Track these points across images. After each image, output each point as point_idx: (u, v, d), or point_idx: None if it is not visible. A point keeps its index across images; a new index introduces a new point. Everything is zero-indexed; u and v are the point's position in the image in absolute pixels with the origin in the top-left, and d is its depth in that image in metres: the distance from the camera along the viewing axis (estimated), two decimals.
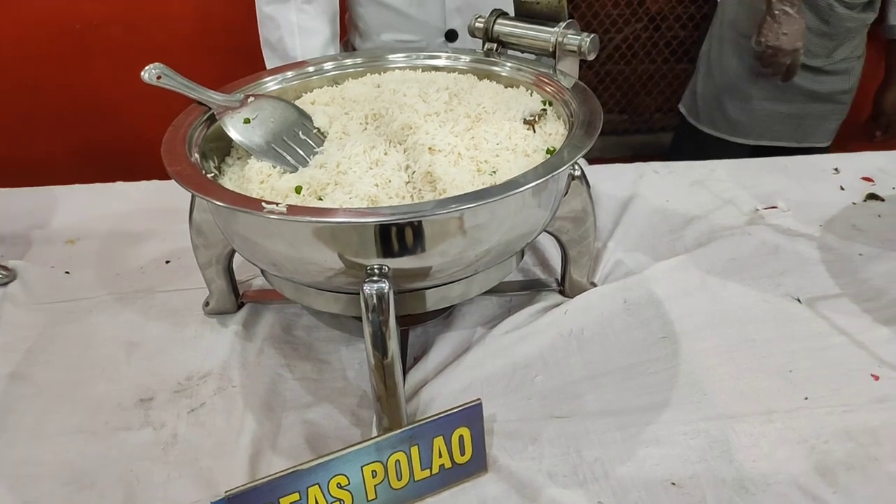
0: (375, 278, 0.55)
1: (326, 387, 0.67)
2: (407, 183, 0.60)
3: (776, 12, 1.18)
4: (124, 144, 1.59)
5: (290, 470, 0.49)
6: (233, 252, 0.73)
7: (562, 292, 0.77)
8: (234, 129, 0.67)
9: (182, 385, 0.68)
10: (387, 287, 0.54)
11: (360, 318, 0.57)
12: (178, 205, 0.99)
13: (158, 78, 0.71)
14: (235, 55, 1.55)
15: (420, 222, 0.54)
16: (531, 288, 0.79)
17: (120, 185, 1.04)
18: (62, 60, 1.57)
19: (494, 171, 0.61)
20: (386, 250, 0.55)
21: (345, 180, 0.60)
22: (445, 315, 0.76)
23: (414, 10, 1.03)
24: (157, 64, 0.71)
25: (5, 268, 0.83)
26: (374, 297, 0.54)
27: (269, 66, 1.08)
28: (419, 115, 0.64)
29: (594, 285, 0.78)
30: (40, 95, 1.56)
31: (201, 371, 0.69)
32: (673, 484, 0.57)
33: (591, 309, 0.74)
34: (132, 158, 1.46)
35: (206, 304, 0.77)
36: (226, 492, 0.47)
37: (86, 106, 1.60)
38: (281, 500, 0.49)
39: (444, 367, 0.68)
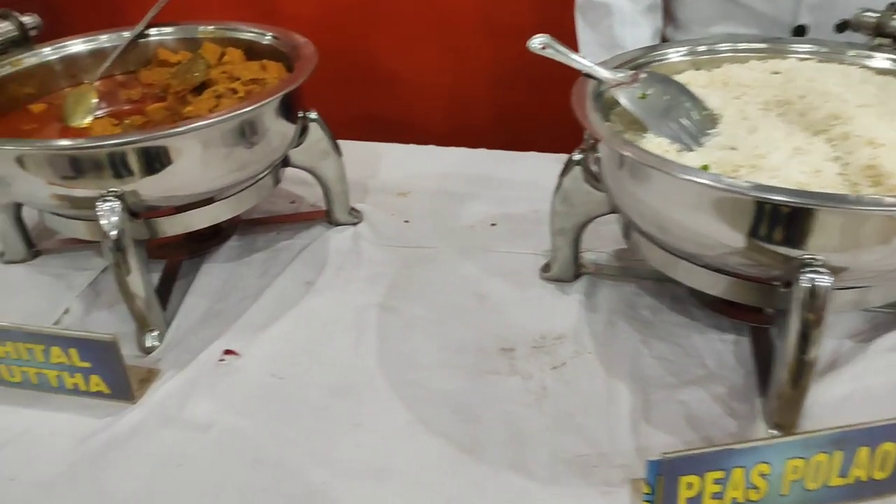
0: (817, 273, 0.52)
1: (688, 371, 0.66)
2: (838, 174, 0.57)
3: None
4: (397, 112, 1.71)
5: (722, 447, 0.49)
6: (587, 223, 0.74)
7: None
8: (632, 104, 0.68)
9: (538, 342, 0.70)
10: (829, 283, 0.52)
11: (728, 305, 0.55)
12: (491, 173, 1.06)
13: (543, 48, 0.74)
14: (515, 38, 1.60)
15: None
16: None
17: (434, 149, 1.11)
18: (351, 30, 1.71)
19: None
20: (826, 244, 0.52)
21: (764, 164, 0.58)
22: None
23: (759, 3, 0.98)
24: (544, 35, 0.74)
25: (355, 209, 0.92)
26: (812, 293, 0.52)
27: (584, 53, 1.09)
28: (849, 105, 0.61)
29: None
30: (335, 61, 1.71)
31: (553, 332, 0.71)
32: None
33: None
34: (404, 125, 1.56)
35: (545, 269, 0.80)
36: (663, 453, 0.48)
37: (369, 74, 1.73)
38: (707, 473, 0.49)
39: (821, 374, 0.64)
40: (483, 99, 1.62)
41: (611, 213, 0.72)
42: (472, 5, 1.59)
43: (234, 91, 0.77)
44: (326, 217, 0.90)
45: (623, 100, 0.67)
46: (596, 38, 1.08)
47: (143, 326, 0.70)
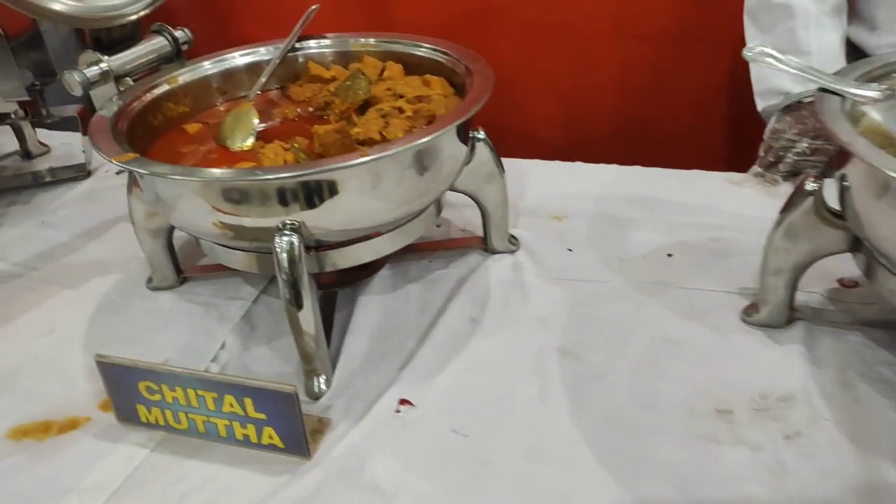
0: None
1: None
2: None
3: None
4: (512, 123, 1.63)
5: None
6: (811, 262, 0.64)
7: None
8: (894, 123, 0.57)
9: (760, 403, 0.60)
10: None
11: None
12: (652, 193, 0.96)
13: (760, 57, 0.65)
14: (646, 43, 1.49)
15: None
16: None
17: (581, 166, 1.02)
18: (468, 37, 1.65)
19: None
20: None
21: None
22: None
23: None
24: (762, 45, 0.65)
25: (513, 236, 0.84)
26: None
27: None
28: None
29: None
30: None
31: (776, 391, 0.61)
32: None
33: None
34: (520, 136, 1.48)
35: (749, 311, 0.69)
36: None
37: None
38: None
39: None
40: (606, 109, 1.52)
41: (847, 251, 0.61)
42: (600, 8, 1.50)
43: (401, 110, 0.71)
44: (482, 244, 0.83)
45: (881, 118, 0.57)
46: (772, 44, 0.97)
47: (311, 368, 0.64)
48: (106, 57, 0.74)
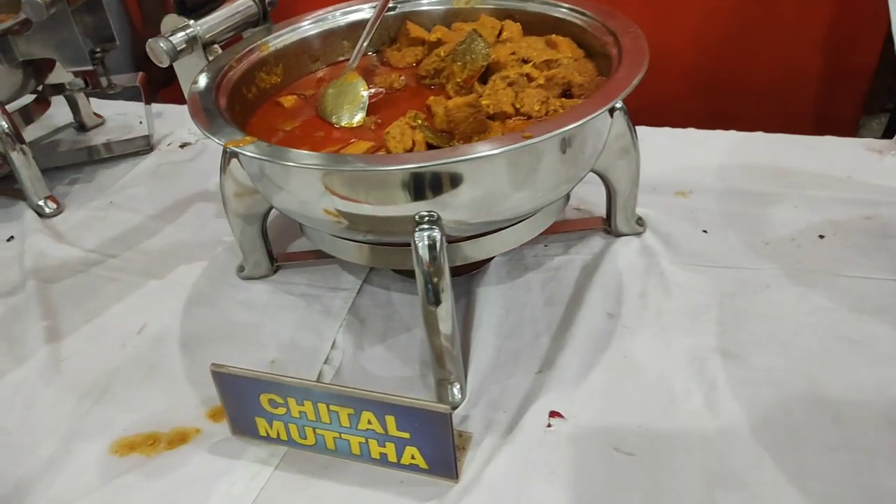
0: None
1: None
2: None
3: None
4: None
5: None
6: None
7: None
8: None
9: None
10: None
11: None
12: (783, 164, 0.85)
13: None
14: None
15: None
16: None
17: (694, 132, 0.92)
18: None
19: None
20: None
21: None
22: None
23: None
24: None
25: (640, 218, 0.75)
26: None
27: None
28: None
29: None
30: None
31: None
32: None
33: None
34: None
35: None
36: None
37: None
38: None
39: None
40: (684, 65, 1.40)
41: None
42: None
43: (529, 77, 0.62)
44: (604, 225, 0.74)
45: None
46: None
47: (444, 376, 0.57)
48: (192, 21, 0.66)
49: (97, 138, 1.11)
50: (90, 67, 0.88)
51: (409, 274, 0.71)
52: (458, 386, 0.57)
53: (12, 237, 0.86)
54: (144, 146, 1.03)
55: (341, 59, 0.73)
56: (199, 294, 0.73)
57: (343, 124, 0.63)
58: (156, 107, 1.16)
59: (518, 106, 0.59)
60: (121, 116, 1.17)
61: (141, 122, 1.13)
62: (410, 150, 0.55)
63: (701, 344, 0.61)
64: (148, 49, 0.64)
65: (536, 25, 0.69)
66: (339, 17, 0.72)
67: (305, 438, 0.54)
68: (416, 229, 0.51)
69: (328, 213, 0.55)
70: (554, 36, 0.67)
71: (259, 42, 0.69)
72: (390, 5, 0.73)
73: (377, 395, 0.49)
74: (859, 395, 0.55)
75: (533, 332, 0.64)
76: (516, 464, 0.52)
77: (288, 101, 0.68)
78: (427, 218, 0.51)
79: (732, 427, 0.53)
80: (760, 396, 0.55)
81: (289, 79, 0.71)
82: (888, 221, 0.72)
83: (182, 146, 1.05)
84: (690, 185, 0.81)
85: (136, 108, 1.18)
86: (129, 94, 1.13)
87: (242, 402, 0.54)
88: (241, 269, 0.74)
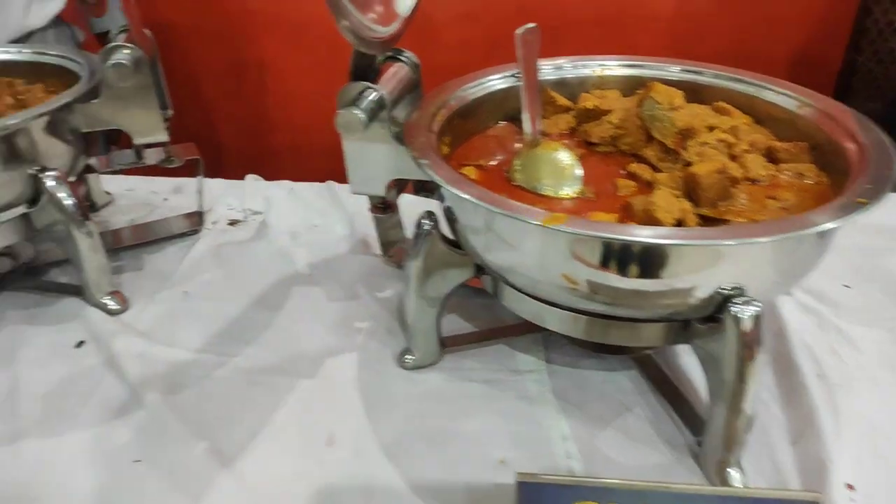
0: None
1: None
2: None
3: None
4: None
5: None
6: None
7: None
8: None
9: None
10: None
11: None
12: None
13: None
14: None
15: None
16: None
17: None
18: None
19: None
20: None
21: None
22: None
23: None
24: None
25: None
26: None
27: None
28: None
29: None
30: None
31: None
32: None
33: None
34: None
35: None
36: None
37: None
38: None
39: None
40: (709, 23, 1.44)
41: None
42: None
43: (728, 144, 0.62)
44: None
45: None
46: None
47: (726, 455, 0.53)
48: (376, 86, 0.59)
49: (114, 218, 0.96)
50: (165, 139, 0.77)
51: (601, 349, 0.67)
52: (737, 467, 0.54)
53: (83, 342, 0.70)
54: (196, 225, 0.91)
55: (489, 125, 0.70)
56: (370, 393, 0.63)
57: (560, 194, 0.59)
58: (172, 181, 1.04)
59: (743, 171, 0.59)
60: (130, 193, 1.03)
61: (166, 199, 1.00)
62: (679, 222, 0.53)
63: None
64: (337, 120, 0.57)
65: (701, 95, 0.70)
66: (498, 82, 0.69)
67: None
68: (732, 303, 0.48)
69: (567, 279, 0.50)
70: (721, 103, 0.68)
71: (435, 106, 0.63)
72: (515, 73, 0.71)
73: (737, 491, 0.44)
74: None
75: (758, 400, 0.62)
76: None
77: (470, 171, 0.63)
78: (736, 290, 0.48)
79: None
80: None
81: (454, 144, 0.66)
82: None
83: (231, 223, 0.93)
84: None
85: (144, 183, 1.05)
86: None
87: None
88: (403, 357, 0.66)
